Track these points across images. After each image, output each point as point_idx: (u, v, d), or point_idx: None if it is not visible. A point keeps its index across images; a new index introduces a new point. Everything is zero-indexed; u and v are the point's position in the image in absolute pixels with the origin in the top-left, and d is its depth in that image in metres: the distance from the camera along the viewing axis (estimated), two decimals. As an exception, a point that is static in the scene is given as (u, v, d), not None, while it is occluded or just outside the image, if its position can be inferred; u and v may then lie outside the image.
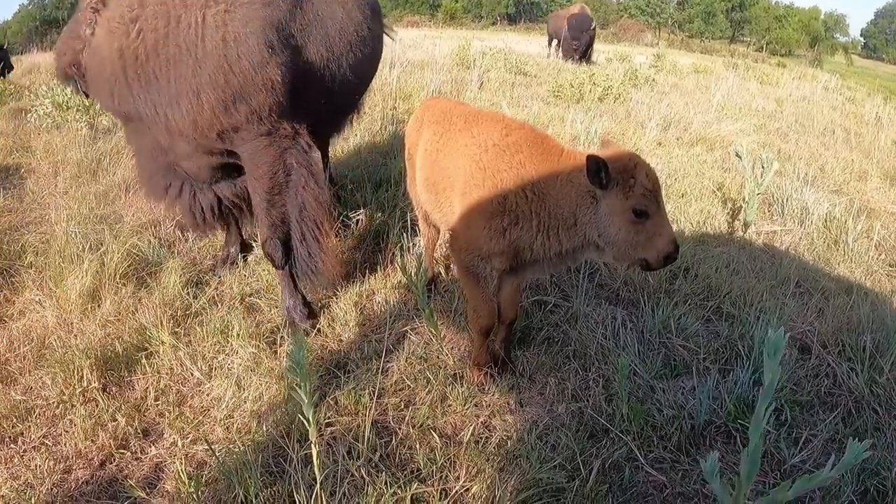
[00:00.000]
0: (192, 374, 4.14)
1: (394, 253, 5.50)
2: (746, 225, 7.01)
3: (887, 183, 10.38)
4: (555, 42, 25.34)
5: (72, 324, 4.57)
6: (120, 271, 5.03)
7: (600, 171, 3.30)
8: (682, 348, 4.57)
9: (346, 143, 8.84)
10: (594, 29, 23.93)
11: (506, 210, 3.64)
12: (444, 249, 5.39)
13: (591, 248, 3.65)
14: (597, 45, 26.86)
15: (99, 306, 4.73)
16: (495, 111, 4.39)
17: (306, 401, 2.99)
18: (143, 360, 4.20)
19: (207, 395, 3.99)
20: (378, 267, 5.45)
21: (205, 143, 4.23)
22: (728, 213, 7.50)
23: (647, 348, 4.55)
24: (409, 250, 5.50)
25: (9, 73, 15.48)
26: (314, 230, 4.59)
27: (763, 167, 7.01)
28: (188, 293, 4.96)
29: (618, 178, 3.35)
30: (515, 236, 3.67)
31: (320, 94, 4.67)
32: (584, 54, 23.06)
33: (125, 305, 4.74)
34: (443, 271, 5.30)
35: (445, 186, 4.09)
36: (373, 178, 7.02)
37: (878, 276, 6.47)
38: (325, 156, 7.14)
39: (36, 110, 10.10)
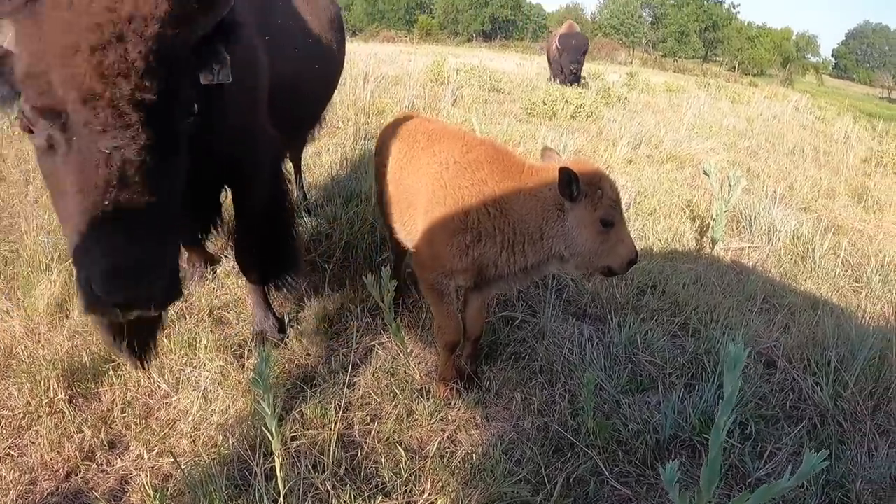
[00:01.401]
0: (159, 387, 4.09)
1: (363, 267, 5.50)
2: (714, 242, 7.08)
3: (854, 200, 10.56)
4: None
5: (39, 334, 4.49)
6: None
7: (571, 183, 3.35)
8: (649, 363, 4.60)
9: (317, 158, 8.82)
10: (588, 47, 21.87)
11: (468, 227, 3.66)
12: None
13: (556, 260, 3.68)
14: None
15: (67, 317, 4.67)
16: (458, 128, 4.41)
17: (269, 413, 2.98)
18: (111, 372, 4.14)
19: (174, 407, 3.95)
20: (347, 281, 5.43)
21: None
22: (697, 230, 7.57)
23: (613, 363, 4.57)
24: (378, 265, 5.50)
25: None
26: (291, 244, 4.59)
27: (731, 185, 7.08)
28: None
29: (586, 189, 3.41)
30: (479, 253, 3.69)
31: (285, 107, 4.64)
32: (579, 77, 21.12)
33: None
34: (411, 286, 5.30)
35: (409, 204, 4.10)
36: (343, 193, 7.00)
37: (843, 292, 6.56)
38: (297, 169, 7.14)
39: (8, 117, 9.93)
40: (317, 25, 5.08)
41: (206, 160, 3.10)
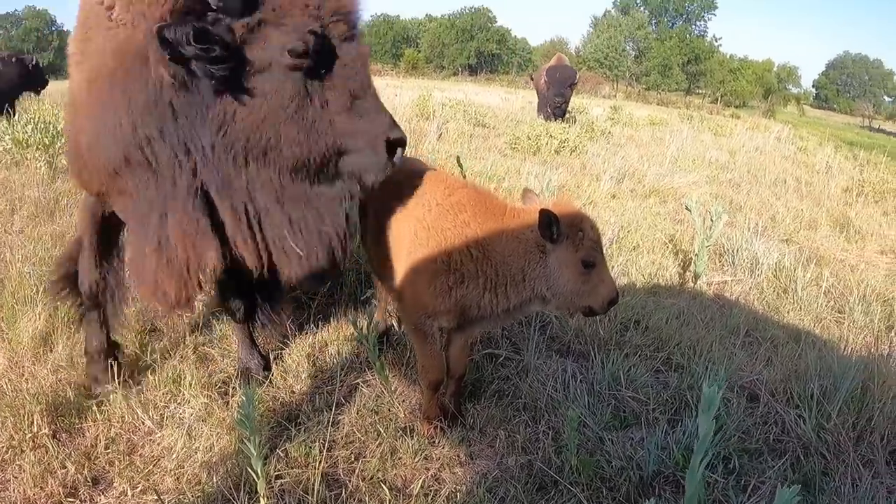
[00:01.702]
0: (143, 423, 4.07)
1: (347, 305, 5.52)
2: (697, 276, 7.13)
3: (836, 231, 10.68)
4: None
5: (23, 367, 4.48)
6: (73, 315, 4.95)
7: (552, 225, 3.39)
8: (632, 399, 4.61)
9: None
10: (577, 80, 20.63)
11: (451, 269, 3.69)
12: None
13: (538, 300, 3.71)
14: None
15: (51, 350, 4.67)
16: (441, 170, 4.44)
17: (255, 453, 2.99)
18: (94, 408, 4.12)
19: (158, 444, 3.92)
20: (332, 318, 5.44)
21: None
22: (679, 264, 7.63)
23: (596, 400, 4.57)
24: (362, 303, 5.51)
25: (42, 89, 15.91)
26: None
27: (712, 220, 7.14)
28: (142, 340, 4.92)
29: (567, 231, 3.46)
30: (462, 294, 3.72)
31: None
32: (565, 113, 20.17)
33: (77, 350, 4.66)
34: (395, 324, 5.30)
35: (392, 246, 4.13)
36: (329, 230, 7.03)
37: (826, 323, 6.61)
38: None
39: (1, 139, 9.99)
40: None
41: None
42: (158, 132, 3.16)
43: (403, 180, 4.22)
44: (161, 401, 4.29)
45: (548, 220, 3.40)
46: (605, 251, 3.63)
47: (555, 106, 19.12)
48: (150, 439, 3.97)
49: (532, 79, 23.12)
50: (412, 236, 3.85)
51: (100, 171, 3.48)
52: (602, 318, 5.46)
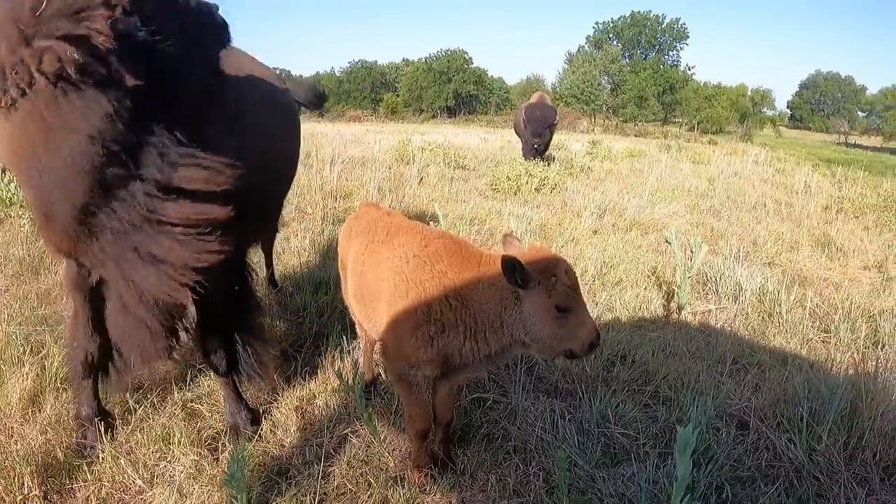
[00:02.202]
0: (133, 482, 4.03)
1: (333, 356, 5.52)
2: (681, 307, 7.16)
3: (818, 250, 10.74)
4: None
5: (12, 428, 4.44)
6: (61, 375, 4.93)
7: (515, 272, 3.40)
8: (621, 436, 4.61)
9: (286, 244, 8.91)
10: (557, 121, 19.44)
11: (431, 319, 3.71)
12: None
13: (518, 345, 3.72)
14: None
15: (40, 411, 4.63)
16: (416, 222, 4.47)
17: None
18: (84, 467, 4.09)
19: (149, 503, 3.90)
20: (318, 370, 5.44)
21: None
22: (663, 296, 7.67)
23: (586, 438, 4.57)
24: (348, 353, 5.51)
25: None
26: (257, 334, 4.59)
27: (692, 250, 7.18)
28: (129, 398, 4.88)
29: (538, 277, 3.46)
30: (443, 343, 3.73)
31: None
32: (544, 152, 19.12)
33: (66, 410, 4.63)
34: (382, 373, 5.30)
35: (373, 298, 4.16)
36: (313, 281, 7.05)
37: (812, 344, 6.64)
38: (268, 258, 7.18)
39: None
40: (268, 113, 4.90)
41: None
42: None
43: (380, 232, 4.26)
44: (151, 459, 4.26)
45: (510, 266, 3.39)
46: (583, 292, 3.63)
47: (531, 147, 18.38)
48: (141, 498, 3.95)
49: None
50: (392, 288, 3.88)
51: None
52: (588, 356, 5.47)
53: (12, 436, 4.38)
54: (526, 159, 17.86)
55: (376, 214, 4.62)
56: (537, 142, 18.28)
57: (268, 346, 4.73)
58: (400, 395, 4.16)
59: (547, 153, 19.73)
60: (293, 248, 8.75)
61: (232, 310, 4.45)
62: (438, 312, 3.70)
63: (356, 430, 4.63)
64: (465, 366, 3.87)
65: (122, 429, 4.58)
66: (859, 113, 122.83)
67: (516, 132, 21.02)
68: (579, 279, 3.64)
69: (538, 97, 19.83)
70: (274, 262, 7.41)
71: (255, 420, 4.70)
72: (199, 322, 4.36)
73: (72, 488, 4.00)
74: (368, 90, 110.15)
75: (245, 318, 4.54)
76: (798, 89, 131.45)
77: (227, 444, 4.41)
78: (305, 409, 4.95)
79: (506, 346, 3.73)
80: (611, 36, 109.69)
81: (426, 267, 3.79)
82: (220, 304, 4.27)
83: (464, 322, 3.68)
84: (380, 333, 4.09)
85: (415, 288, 3.76)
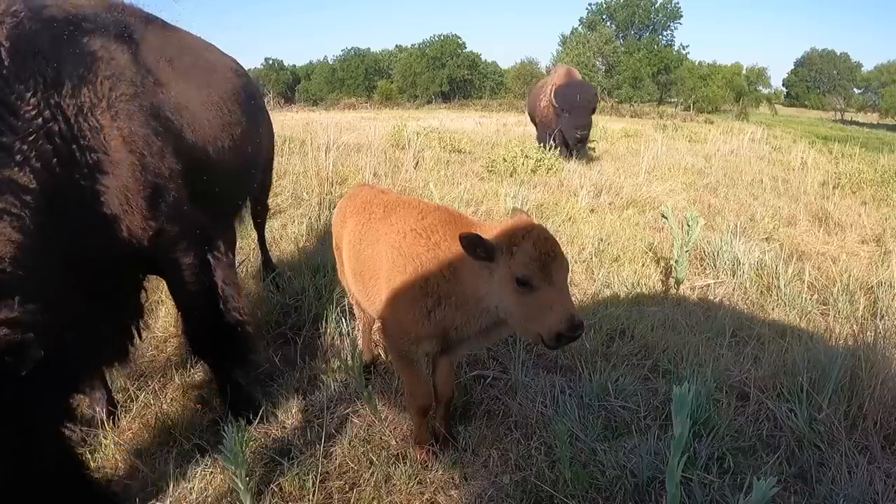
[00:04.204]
0: (136, 469, 4.04)
1: (332, 337, 5.52)
2: (679, 282, 7.16)
3: (816, 225, 10.76)
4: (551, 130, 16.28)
5: None
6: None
7: (475, 247, 3.28)
8: (622, 409, 4.63)
9: (283, 230, 8.91)
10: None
11: (428, 292, 3.68)
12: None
13: (503, 322, 3.62)
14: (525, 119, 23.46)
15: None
16: (412, 197, 4.45)
17: (242, 488, 2.97)
18: (87, 455, 4.09)
19: (152, 488, 3.89)
20: (318, 352, 5.45)
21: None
22: (661, 272, 7.67)
23: (587, 412, 4.58)
24: (346, 334, 5.51)
25: None
26: (241, 326, 4.54)
27: (689, 225, 7.18)
28: (129, 385, 4.90)
29: (502, 247, 3.31)
30: (441, 317, 3.70)
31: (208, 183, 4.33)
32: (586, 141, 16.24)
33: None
34: (381, 353, 5.30)
35: (371, 276, 4.15)
36: (310, 265, 7.04)
37: (811, 316, 6.65)
38: (261, 242, 7.18)
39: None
40: (207, 102, 4.62)
41: None
42: None
43: (377, 210, 4.24)
44: (153, 445, 4.27)
45: (468, 242, 3.26)
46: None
47: (575, 140, 15.75)
48: (143, 484, 3.93)
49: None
50: (390, 264, 3.86)
51: None
52: (588, 330, 5.47)
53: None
54: (560, 152, 15.59)
55: (371, 193, 4.60)
56: (582, 133, 15.82)
57: (251, 342, 4.63)
58: (400, 372, 4.16)
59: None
60: (290, 234, 8.74)
61: (209, 303, 4.31)
62: (435, 285, 3.68)
63: (357, 410, 4.64)
64: (462, 341, 3.85)
65: (124, 416, 4.59)
66: (855, 89, 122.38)
67: (531, 118, 18.53)
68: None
69: (565, 73, 16.67)
70: (268, 247, 7.43)
71: (254, 402, 4.69)
72: (188, 314, 4.31)
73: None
74: (362, 78, 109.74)
75: (224, 312, 4.37)
76: (794, 67, 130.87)
77: (229, 428, 4.40)
78: (306, 391, 4.96)
79: (493, 321, 3.64)
80: (604, 17, 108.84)
81: (422, 240, 3.77)
82: (194, 296, 4.20)
83: (456, 294, 3.64)
84: (379, 311, 4.09)
85: (412, 262, 3.74)
